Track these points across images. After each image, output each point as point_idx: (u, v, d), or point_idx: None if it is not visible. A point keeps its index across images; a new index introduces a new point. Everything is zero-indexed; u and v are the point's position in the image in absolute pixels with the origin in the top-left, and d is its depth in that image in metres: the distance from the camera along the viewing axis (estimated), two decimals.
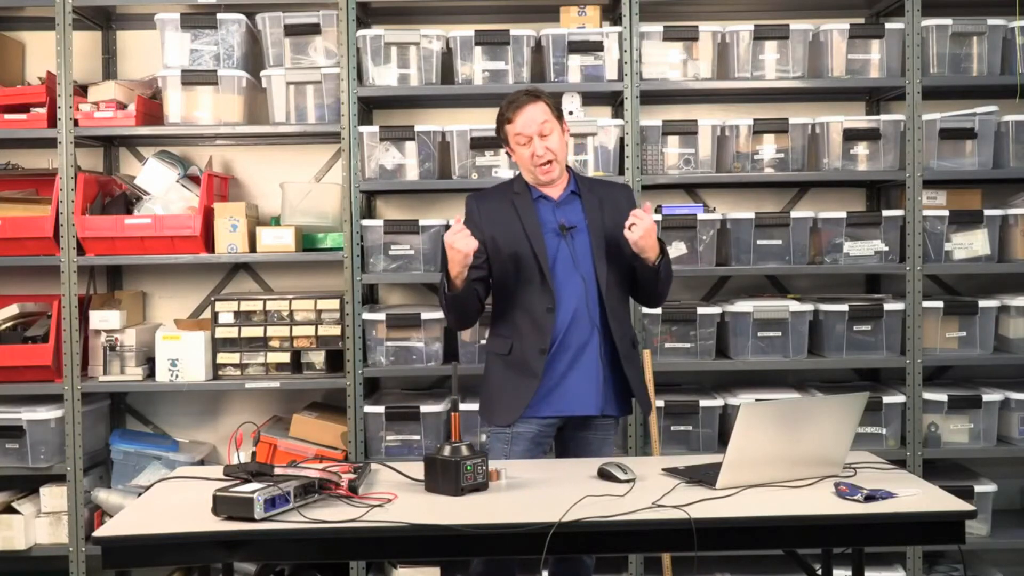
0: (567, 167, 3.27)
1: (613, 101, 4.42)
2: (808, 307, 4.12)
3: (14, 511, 4.12)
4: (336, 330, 4.11)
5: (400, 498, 2.55)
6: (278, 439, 4.06)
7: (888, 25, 4.16)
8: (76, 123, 4.07)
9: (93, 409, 4.25)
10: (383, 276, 4.13)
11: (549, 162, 3.14)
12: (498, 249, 3.15)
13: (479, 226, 3.14)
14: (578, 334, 3.13)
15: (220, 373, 4.11)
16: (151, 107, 4.22)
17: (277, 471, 2.56)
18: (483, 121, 4.22)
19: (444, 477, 2.60)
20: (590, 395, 3.15)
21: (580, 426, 3.20)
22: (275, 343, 4.10)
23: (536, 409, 3.14)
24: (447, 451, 2.62)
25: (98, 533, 2.37)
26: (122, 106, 4.12)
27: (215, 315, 4.10)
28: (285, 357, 4.10)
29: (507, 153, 3.28)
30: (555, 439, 3.26)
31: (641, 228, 2.99)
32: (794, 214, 4.14)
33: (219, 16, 4.13)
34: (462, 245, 2.94)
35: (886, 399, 4.08)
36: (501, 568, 3.10)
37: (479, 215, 3.20)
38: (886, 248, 4.14)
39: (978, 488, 4.04)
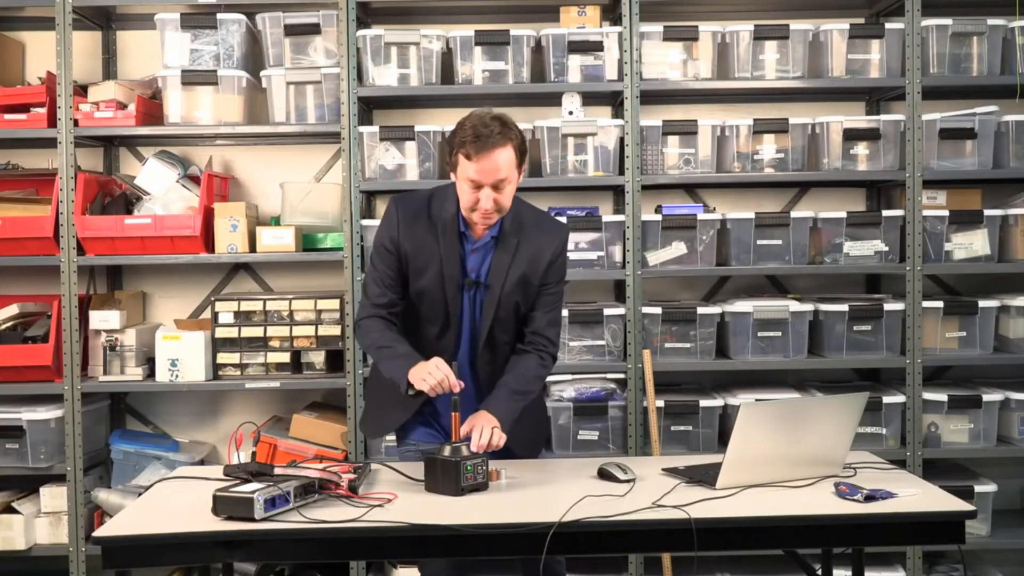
0: None
1: (613, 101, 4.42)
2: (808, 307, 4.12)
3: (14, 511, 4.12)
4: (336, 330, 4.11)
5: (400, 498, 2.55)
6: (278, 439, 4.06)
7: (888, 25, 4.16)
8: (76, 123, 4.07)
9: (93, 409, 4.25)
10: None
11: (492, 214, 2.81)
12: (407, 271, 2.91)
13: (395, 240, 2.89)
14: (466, 377, 2.89)
15: (220, 373, 4.11)
16: (151, 107, 4.22)
17: (277, 471, 2.56)
18: None
19: (444, 477, 2.60)
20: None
21: None
22: (275, 343, 4.10)
23: (412, 435, 3.01)
24: (447, 451, 2.62)
25: (98, 533, 2.37)
26: (122, 106, 4.12)
27: (215, 315, 4.10)
28: (285, 357, 4.10)
29: (447, 166, 2.91)
30: None
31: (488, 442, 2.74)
32: (794, 214, 4.14)
33: (219, 16, 4.14)
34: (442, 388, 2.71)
35: (886, 399, 4.08)
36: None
37: (398, 228, 2.90)
38: (886, 248, 4.14)
39: (978, 488, 4.04)
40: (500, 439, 2.76)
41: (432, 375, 2.71)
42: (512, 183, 2.80)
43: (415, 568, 3.98)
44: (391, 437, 4.04)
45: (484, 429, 2.74)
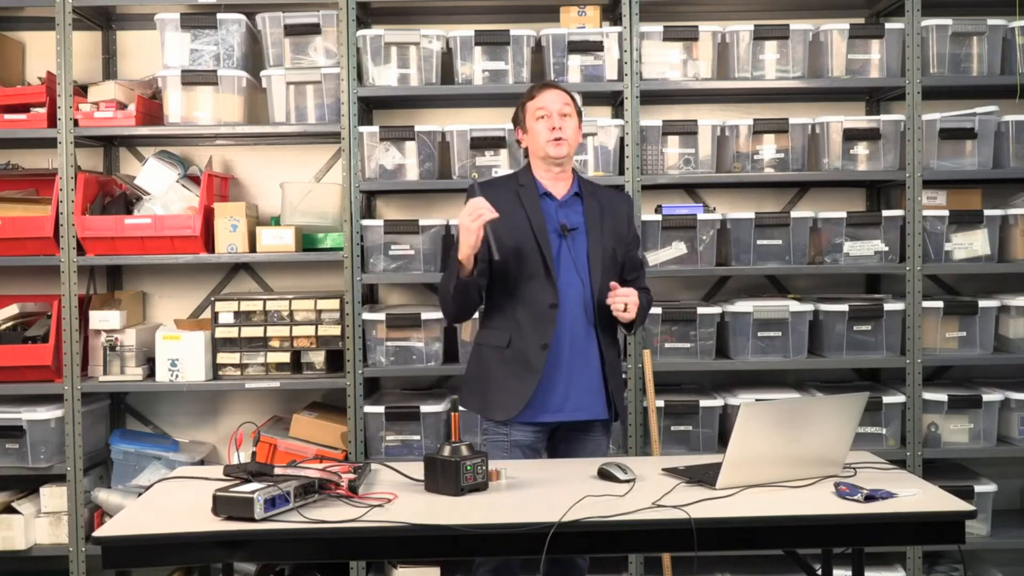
0: (572, 169, 3.25)
1: (613, 101, 4.42)
2: (808, 307, 4.12)
3: (14, 511, 4.12)
4: (336, 330, 4.11)
5: (400, 498, 2.55)
6: (278, 439, 4.06)
7: (888, 25, 4.16)
8: (76, 123, 4.07)
9: (93, 409, 4.25)
10: (383, 276, 4.14)
11: (562, 138, 3.14)
12: (501, 241, 3.04)
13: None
14: (577, 335, 3.12)
15: (220, 373, 4.11)
16: (151, 107, 4.22)
17: (277, 471, 2.56)
18: (483, 121, 4.23)
19: (444, 477, 2.60)
20: (588, 399, 3.14)
21: (574, 429, 3.18)
22: (275, 343, 4.10)
23: (533, 413, 3.10)
24: (447, 451, 2.62)
25: (98, 533, 2.37)
26: (122, 106, 4.12)
27: (215, 315, 4.10)
28: (285, 357, 4.10)
29: (517, 141, 3.29)
30: (548, 442, 3.22)
31: (627, 302, 3.03)
32: (794, 214, 4.14)
33: (219, 16, 4.14)
34: (486, 217, 2.91)
35: (886, 399, 4.08)
36: (508, 570, 3.08)
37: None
38: (886, 248, 4.14)
39: (978, 488, 4.04)
40: (632, 306, 3.04)
41: (466, 223, 2.92)
42: (574, 121, 3.18)
43: (415, 568, 3.99)
44: (391, 437, 4.08)
45: (633, 295, 3.04)
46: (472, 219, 2.91)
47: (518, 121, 3.26)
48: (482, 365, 3.21)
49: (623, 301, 3.02)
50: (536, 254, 3.10)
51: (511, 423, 3.12)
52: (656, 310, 4.07)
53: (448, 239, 4.05)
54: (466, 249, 2.95)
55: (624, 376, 4.06)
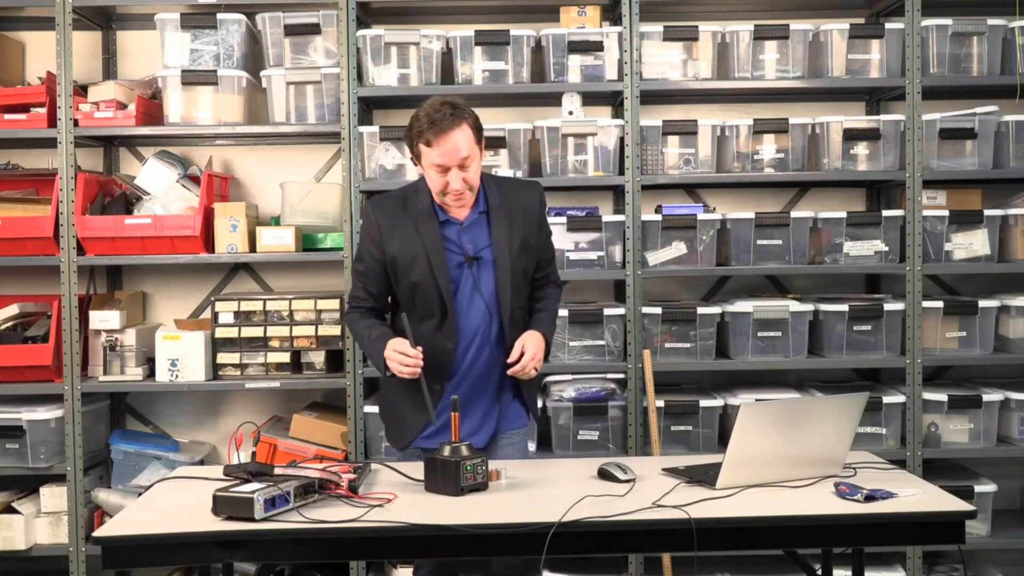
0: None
1: (613, 101, 4.42)
2: (808, 307, 4.12)
3: (14, 511, 4.12)
4: (336, 330, 4.11)
5: (400, 498, 2.55)
6: (278, 439, 4.06)
7: (888, 25, 4.16)
8: (76, 123, 4.07)
9: (93, 409, 4.25)
10: None
11: (464, 196, 2.91)
12: (396, 272, 2.97)
13: (380, 244, 2.96)
14: (479, 364, 2.98)
15: (220, 373, 4.11)
16: (151, 107, 4.22)
17: (277, 471, 2.56)
18: (483, 121, 4.20)
19: (444, 477, 2.60)
20: (487, 425, 3.00)
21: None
22: (275, 343, 4.10)
23: (428, 441, 2.96)
24: (447, 451, 2.62)
25: (98, 533, 2.38)
26: (122, 106, 4.12)
27: (215, 315, 4.10)
28: (285, 357, 4.10)
29: (412, 160, 2.97)
30: None
31: (534, 366, 2.93)
32: (794, 214, 4.14)
33: (219, 16, 4.14)
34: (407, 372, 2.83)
35: (886, 399, 4.08)
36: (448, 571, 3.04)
37: (379, 232, 2.97)
38: (886, 248, 4.14)
39: (978, 488, 4.04)
40: (538, 365, 2.95)
41: (402, 363, 2.83)
42: (476, 160, 2.91)
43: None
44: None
45: (538, 350, 2.93)
46: (407, 370, 2.82)
47: (412, 150, 2.92)
48: (386, 392, 3.14)
49: (530, 367, 2.91)
50: (433, 291, 2.92)
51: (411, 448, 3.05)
52: (656, 310, 4.08)
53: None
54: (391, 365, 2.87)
55: (623, 376, 4.08)
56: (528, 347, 2.93)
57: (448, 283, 2.93)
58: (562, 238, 4.05)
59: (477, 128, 2.94)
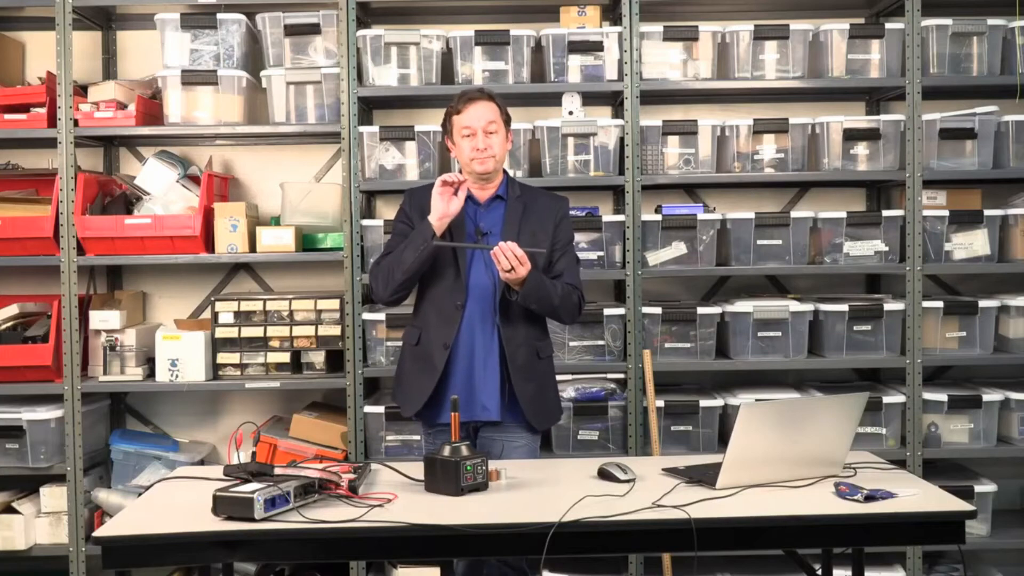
0: (504, 171, 3.29)
1: (613, 101, 4.42)
2: (808, 307, 4.12)
3: (14, 511, 4.12)
4: (336, 330, 4.11)
5: (400, 498, 2.56)
6: (278, 439, 4.06)
7: (888, 25, 4.16)
8: (76, 123, 4.07)
9: (93, 409, 4.25)
10: None
11: (487, 156, 3.15)
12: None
13: (410, 220, 3.22)
14: (483, 335, 3.16)
15: (220, 373, 4.11)
16: (151, 107, 4.22)
17: (277, 471, 2.56)
18: None
19: (444, 477, 2.60)
20: (493, 399, 3.14)
21: (490, 428, 3.19)
22: (275, 343, 4.10)
23: (438, 413, 3.14)
24: (447, 451, 2.63)
25: (98, 533, 2.38)
26: (122, 106, 4.12)
27: (215, 315, 4.10)
28: (285, 357, 4.10)
29: (448, 150, 3.30)
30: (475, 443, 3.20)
31: (513, 264, 2.97)
32: (794, 214, 4.14)
33: (219, 16, 4.13)
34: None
35: (886, 399, 4.08)
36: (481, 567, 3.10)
37: (411, 210, 3.25)
38: (886, 248, 4.14)
39: (978, 488, 4.04)
40: (524, 264, 2.98)
41: (438, 196, 3.07)
42: (501, 132, 3.19)
43: (415, 568, 3.99)
44: (392, 437, 4.09)
45: (524, 259, 2.98)
46: (441, 187, 3.07)
47: (447, 131, 3.26)
48: (400, 362, 3.33)
49: (509, 260, 2.96)
50: (449, 253, 3.17)
51: (435, 429, 3.20)
52: (656, 310, 4.08)
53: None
54: (437, 214, 3.08)
55: (623, 376, 4.08)
56: (517, 251, 2.99)
57: (464, 238, 3.17)
58: None
59: (504, 110, 3.23)
